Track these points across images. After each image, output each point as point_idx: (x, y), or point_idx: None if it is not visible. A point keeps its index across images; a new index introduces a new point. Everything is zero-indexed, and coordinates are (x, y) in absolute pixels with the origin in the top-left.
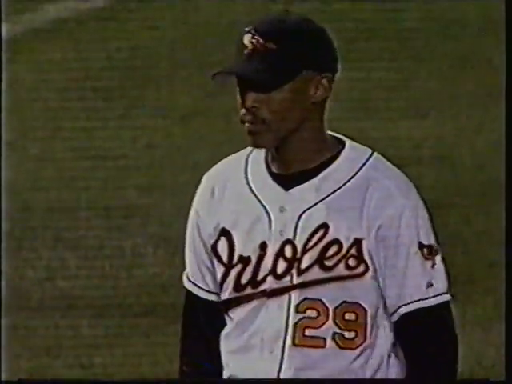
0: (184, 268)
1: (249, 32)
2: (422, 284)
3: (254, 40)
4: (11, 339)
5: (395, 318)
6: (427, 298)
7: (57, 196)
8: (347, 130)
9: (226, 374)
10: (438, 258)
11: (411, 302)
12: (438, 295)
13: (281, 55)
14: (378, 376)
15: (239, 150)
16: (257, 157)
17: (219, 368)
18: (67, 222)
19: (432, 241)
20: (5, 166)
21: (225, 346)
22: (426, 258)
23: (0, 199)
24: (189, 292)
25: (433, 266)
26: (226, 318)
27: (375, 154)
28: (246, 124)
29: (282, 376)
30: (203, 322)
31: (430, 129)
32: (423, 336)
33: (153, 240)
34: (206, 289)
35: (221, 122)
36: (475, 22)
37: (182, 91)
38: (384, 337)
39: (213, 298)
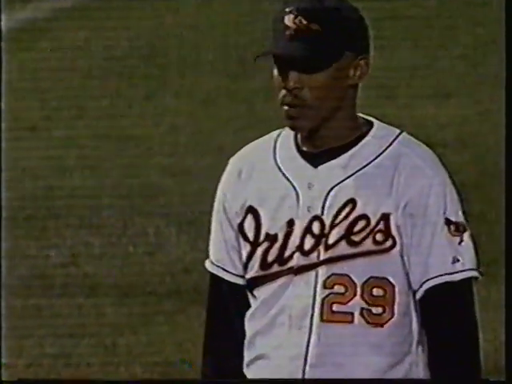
0: (207, 251)
1: (290, 12)
2: (448, 259)
3: (297, 21)
4: (36, 321)
5: (420, 294)
6: (453, 273)
7: (80, 179)
8: (371, 112)
9: (251, 355)
10: (466, 235)
11: (436, 277)
12: (464, 270)
13: (325, 36)
14: (407, 360)
15: (262, 133)
16: (286, 137)
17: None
18: (91, 206)
19: (460, 218)
20: (29, 150)
21: (250, 326)
22: (453, 235)
23: (4, 186)
24: (214, 277)
25: (460, 242)
26: (251, 297)
27: (404, 132)
28: (285, 107)
29: (310, 352)
30: (230, 305)
31: (455, 111)
32: (448, 311)
33: (176, 223)
34: (234, 272)
35: (244, 104)
36: (500, 5)
37: (206, 74)
38: (415, 318)
39: (240, 281)
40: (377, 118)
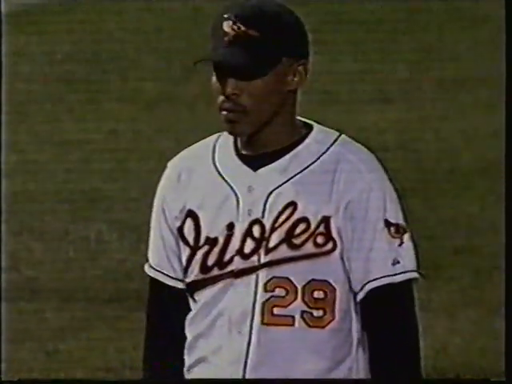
0: (147, 254)
1: (229, 18)
2: (388, 261)
3: (235, 27)
4: None
5: (361, 296)
6: (393, 275)
7: (21, 182)
8: (312, 117)
9: (192, 359)
10: (406, 237)
11: (377, 279)
12: (405, 272)
13: (263, 42)
14: (347, 363)
15: (204, 137)
16: (225, 141)
17: (182, 359)
18: (32, 209)
19: (400, 219)
20: None
21: (190, 330)
22: (393, 236)
23: None
24: (154, 280)
25: (400, 244)
26: (191, 301)
27: (343, 135)
28: (224, 112)
29: (250, 355)
30: (170, 309)
31: (395, 116)
32: (388, 313)
33: (117, 227)
34: (174, 276)
35: (186, 109)
36: (440, 11)
37: (147, 78)
38: (356, 321)
39: (179, 285)
40: (317, 122)
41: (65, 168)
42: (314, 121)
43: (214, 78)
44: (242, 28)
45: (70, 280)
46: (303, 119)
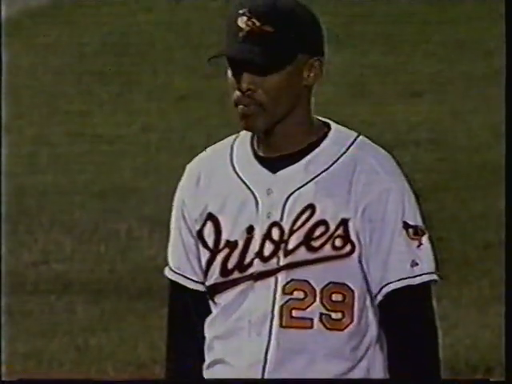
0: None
1: (243, 14)
2: (406, 263)
3: (250, 22)
4: (7, 322)
5: (379, 298)
6: (412, 277)
7: (52, 179)
8: (343, 113)
9: (210, 358)
10: (425, 239)
11: (396, 281)
12: (423, 274)
13: (278, 38)
14: (364, 363)
15: (234, 132)
16: (242, 142)
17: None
18: (63, 205)
19: (418, 221)
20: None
21: (210, 332)
22: (412, 238)
23: None
24: (175, 284)
25: (419, 246)
26: (211, 304)
27: (361, 136)
28: (240, 106)
29: (269, 358)
30: (191, 312)
31: (426, 111)
32: (407, 315)
33: (148, 223)
34: (195, 279)
35: (217, 104)
36: (471, 6)
37: (178, 73)
38: (373, 322)
39: (200, 287)
40: (335, 121)
41: (95, 163)
42: (332, 119)
43: (229, 73)
44: (257, 23)
45: (101, 275)
46: (320, 118)
